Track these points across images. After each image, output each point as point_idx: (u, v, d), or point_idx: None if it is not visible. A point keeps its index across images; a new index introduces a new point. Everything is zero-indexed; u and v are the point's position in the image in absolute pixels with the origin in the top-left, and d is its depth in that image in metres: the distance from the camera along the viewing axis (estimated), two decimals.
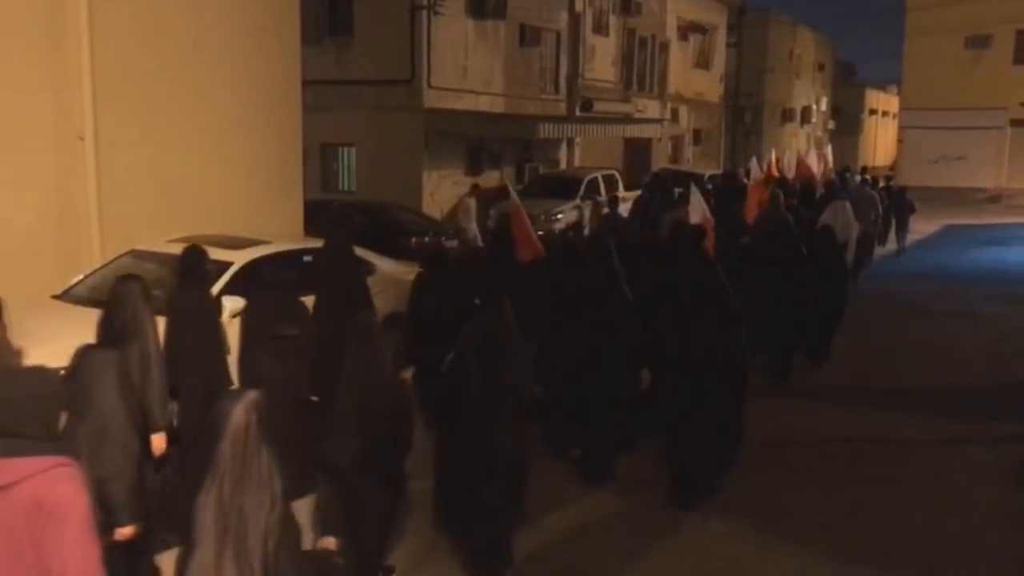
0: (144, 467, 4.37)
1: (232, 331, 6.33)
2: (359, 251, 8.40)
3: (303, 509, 4.19)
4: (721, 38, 34.14)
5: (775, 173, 18.07)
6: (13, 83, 8.56)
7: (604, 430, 6.65)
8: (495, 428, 4.97)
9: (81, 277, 8.15)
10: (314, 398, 5.94)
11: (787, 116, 40.52)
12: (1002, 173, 37.03)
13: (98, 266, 8.44)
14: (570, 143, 24.71)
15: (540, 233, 10.59)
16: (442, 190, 19.85)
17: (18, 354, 5.22)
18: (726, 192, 16.79)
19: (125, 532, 4.00)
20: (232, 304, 6.95)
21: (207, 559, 2.81)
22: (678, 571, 5.52)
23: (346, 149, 20.09)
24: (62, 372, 3.69)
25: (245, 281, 7.40)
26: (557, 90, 23.55)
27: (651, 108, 28.54)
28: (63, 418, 2.86)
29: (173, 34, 9.88)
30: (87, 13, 8.92)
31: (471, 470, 5.04)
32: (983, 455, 7.57)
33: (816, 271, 9.56)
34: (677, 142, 32.01)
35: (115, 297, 5.44)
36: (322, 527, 4.43)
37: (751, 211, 13.17)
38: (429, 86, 18.83)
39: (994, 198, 35.18)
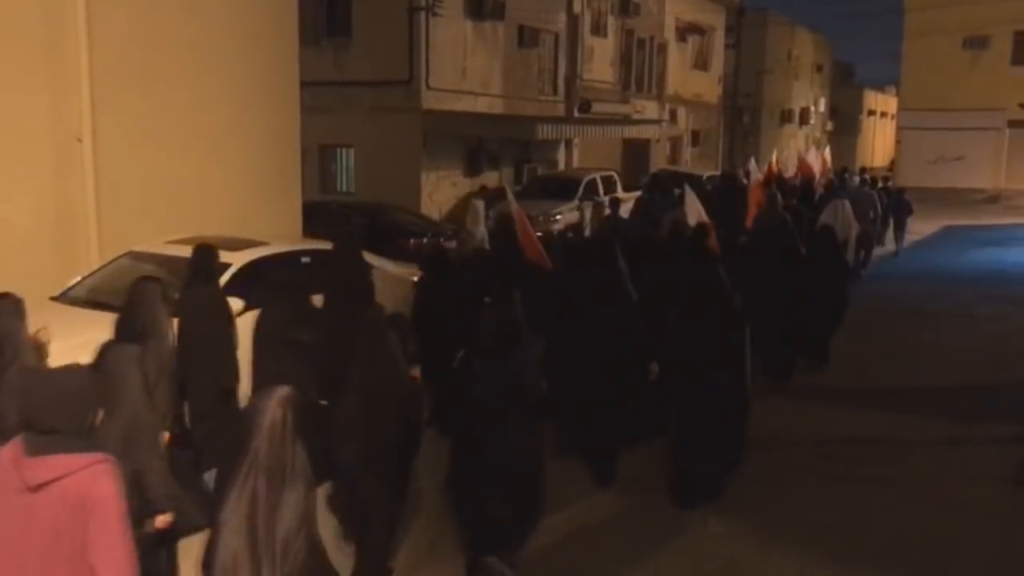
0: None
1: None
2: None
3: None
4: (719, 39, 34.16)
5: (775, 170, 18.12)
6: (11, 84, 8.55)
7: (609, 430, 6.65)
8: (507, 426, 4.96)
9: (79, 279, 8.14)
10: (323, 402, 5.96)
11: (785, 117, 40.54)
12: (1000, 174, 37.06)
13: (96, 267, 8.44)
14: (568, 144, 24.72)
15: (539, 234, 10.59)
16: (440, 191, 19.86)
17: (40, 354, 5.23)
18: (726, 193, 16.81)
19: (164, 520, 4.11)
20: (232, 305, 6.94)
21: (237, 544, 2.94)
22: (677, 572, 5.52)
23: (344, 150, 20.09)
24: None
25: (244, 282, 7.41)
26: (556, 91, 23.56)
27: (649, 109, 28.56)
28: (99, 414, 2.98)
29: (171, 35, 9.87)
30: (85, 15, 8.91)
31: (483, 468, 5.02)
32: (982, 455, 7.57)
33: (816, 270, 9.56)
34: (675, 143, 32.02)
35: (134, 297, 5.50)
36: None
37: (751, 212, 13.19)
38: (427, 87, 18.84)
39: (992, 199, 35.20)
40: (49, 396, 2.85)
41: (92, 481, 2.77)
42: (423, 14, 18.46)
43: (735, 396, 6.37)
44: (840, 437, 7.91)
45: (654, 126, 27.81)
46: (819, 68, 45.22)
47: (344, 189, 20.10)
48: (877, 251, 17.59)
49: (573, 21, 23.76)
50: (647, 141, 28.13)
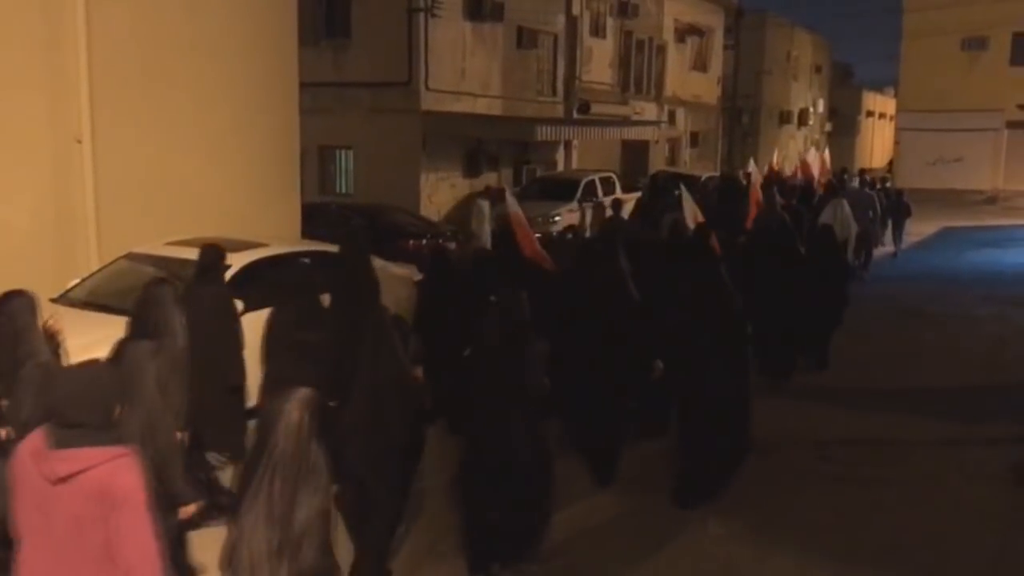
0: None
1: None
2: None
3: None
4: (718, 40, 34.16)
5: (775, 170, 18.14)
6: (10, 85, 8.54)
7: (610, 430, 6.65)
8: (513, 424, 4.96)
9: (78, 280, 8.13)
10: (331, 403, 5.97)
11: (784, 118, 40.52)
12: (999, 175, 37.04)
13: (95, 269, 8.43)
14: (567, 145, 24.72)
15: (538, 235, 10.60)
16: (440, 192, 19.86)
17: (52, 344, 5.24)
18: (726, 194, 16.83)
19: (189, 510, 4.16)
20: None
21: (256, 543, 3.01)
22: (677, 572, 5.52)
23: (344, 151, 20.08)
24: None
25: (243, 283, 7.40)
26: (555, 92, 23.57)
27: (648, 110, 28.56)
28: (118, 409, 3.02)
29: (170, 36, 9.86)
30: (84, 15, 8.91)
31: (488, 467, 5.02)
32: (981, 456, 7.57)
33: (816, 270, 9.56)
34: (674, 144, 32.02)
35: (148, 298, 5.49)
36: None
37: (751, 213, 13.20)
38: (427, 88, 18.84)
39: (991, 200, 35.21)
40: (75, 390, 2.90)
41: (116, 474, 2.82)
42: (422, 15, 18.45)
43: (736, 396, 6.38)
44: (840, 437, 7.91)
45: (653, 127, 27.81)
46: (818, 69, 45.22)
47: (343, 190, 20.08)
48: (876, 252, 17.59)
49: (572, 22, 23.76)
50: (646, 142, 28.14)
